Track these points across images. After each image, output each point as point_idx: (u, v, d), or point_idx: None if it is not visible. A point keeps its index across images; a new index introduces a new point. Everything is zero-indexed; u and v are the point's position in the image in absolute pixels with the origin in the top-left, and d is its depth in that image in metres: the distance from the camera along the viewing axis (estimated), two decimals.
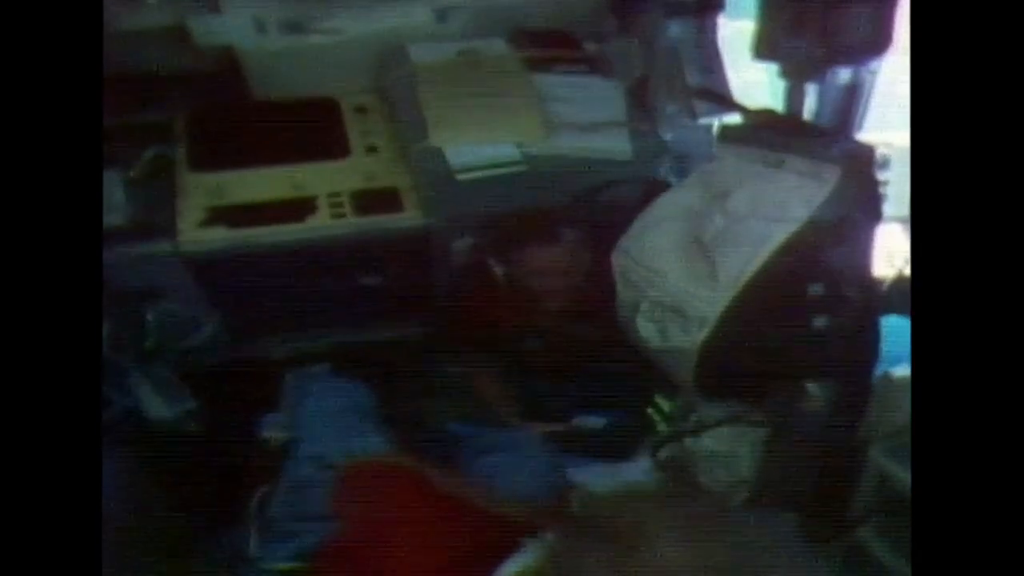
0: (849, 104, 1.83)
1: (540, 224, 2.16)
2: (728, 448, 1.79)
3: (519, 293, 2.17)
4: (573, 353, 2.17)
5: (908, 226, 1.82)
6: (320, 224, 2.15)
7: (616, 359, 1.92)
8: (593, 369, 2.14)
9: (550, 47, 2.36)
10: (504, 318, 2.20)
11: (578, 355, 2.16)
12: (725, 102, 2.22)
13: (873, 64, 1.80)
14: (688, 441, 1.83)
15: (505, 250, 2.18)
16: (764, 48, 1.84)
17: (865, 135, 1.86)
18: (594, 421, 2.07)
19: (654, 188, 2.13)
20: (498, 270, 2.19)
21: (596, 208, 2.23)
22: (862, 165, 1.64)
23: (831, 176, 1.59)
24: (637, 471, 1.85)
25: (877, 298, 1.78)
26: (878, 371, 1.75)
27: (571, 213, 2.18)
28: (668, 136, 2.31)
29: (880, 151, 1.76)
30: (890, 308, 1.77)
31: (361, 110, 2.36)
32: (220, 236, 2.10)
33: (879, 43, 1.71)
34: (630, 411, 2.05)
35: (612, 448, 1.97)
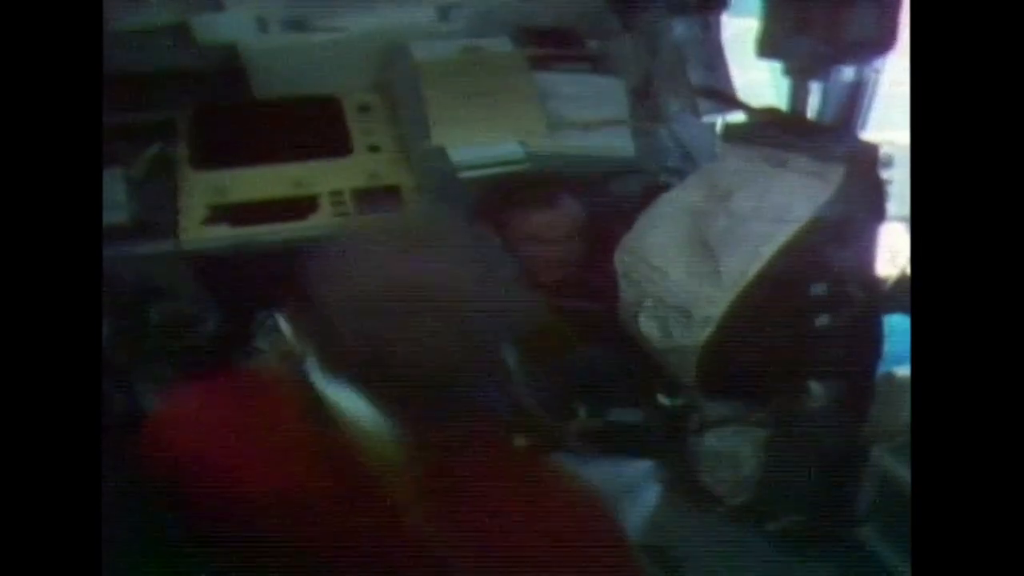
0: (853, 103, 1.82)
1: (537, 188, 2.09)
2: (731, 447, 1.79)
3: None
4: (572, 333, 2.04)
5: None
6: (322, 222, 2.15)
7: (618, 341, 1.87)
8: (595, 352, 2.09)
9: (553, 45, 2.35)
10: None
11: (578, 335, 2.03)
12: (729, 100, 2.22)
13: (877, 62, 1.80)
14: (691, 440, 1.83)
15: (499, 215, 2.08)
16: (768, 46, 1.83)
17: (869, 134, 1.86)
18: (630, 415, 1.97)
19: (657, 186, 2.12)
20: (493, 238, 2.05)
21: (601, 196, 2.20)
22: (866, 164, 1.64)
23: (835, 175, 1.60)
24: (640, 469, 1.84)
25: (880, 297, 1.78)
26: (881, 370, 1.75)
27: (571, 182, 2.11)
28: (671, 135, 2.30)
29: (884, 150, 1.76)
30: (893, 307, 1.77)
31: (363, 108, 2.36)
32: (222, 234, 2.10)
33: (883, 41, 1.71)
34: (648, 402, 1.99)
35: (648, 443, 1.89)
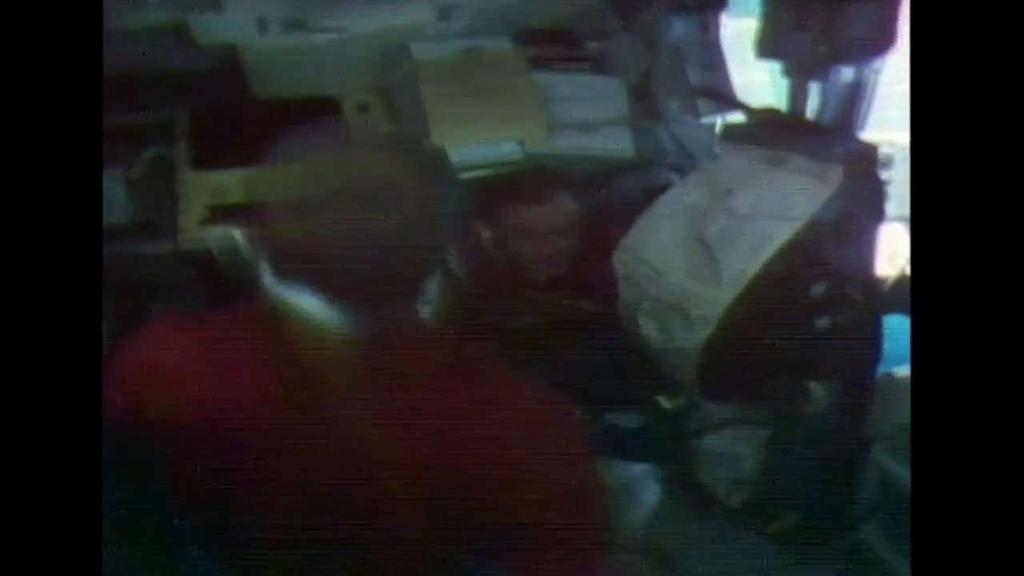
0: (852, 103, 1.83)
1: (531, 184, 2.05)
2: (730, 448, 1.79)
3: (507, 259, 2.02)
4: (568, 332, 1.99)
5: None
6: None
7: (615, 340, 1.85)
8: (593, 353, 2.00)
9: (552, 46, 2.35)
10: (492, 290, 2.02)
11: (574, 334, 1.99)
12: (728, 101, 2.22)
13: (876, 62, 1.80)
14: (690, 441, 1.83)
15: (493, 210, 2.02)
16: (767, 46, 1.84)
17: (868, 134, 1.86)
18: (628, 420, 1.94)
19: (657, 186, 2.12)
20: (486, 233, 2.03)
21: (600, 194, 2.18)
22: (865, 164, 1.65)
23: (834, 175, 1.60)
24: (639, 471, 1.84)
25: (879, 298, 1.78)
26: (880, 371, 1.75)
27: (569, 179, 2.08)
28: (670, 135, 2.30)
29: (883, 150, 1.76)
30: (893, 307, 1.77)
31: (363, 108, 2.36)
32: (221, 235, 2.10)
33: (882, 41, 1.71)
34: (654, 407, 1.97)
35: (648, 449, 1.88)
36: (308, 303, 0.93)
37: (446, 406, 0.95)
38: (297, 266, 0.94)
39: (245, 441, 0.96)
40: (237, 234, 1.03)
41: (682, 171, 2.19)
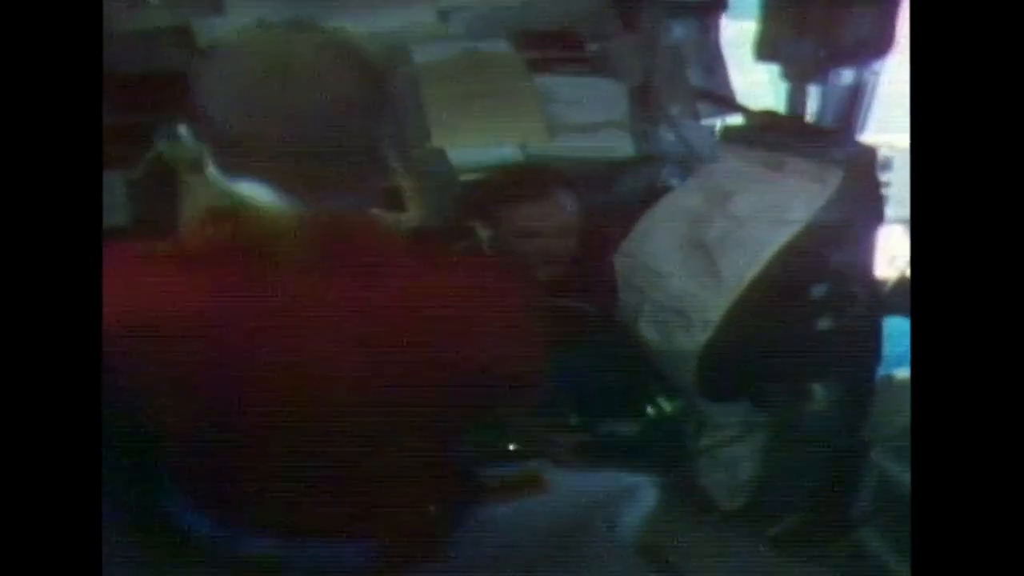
0: (851, 105, 1.83)
1: (530, 182, 2.03)
2: (730, 451, 1.79)
3: (506, 259, 1.95)
4: (567, 334, 1.99)
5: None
6: None
7: (614, 341, 1.85)
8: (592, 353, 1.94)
9: (552, 48, 2.35)
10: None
11: (573, 335, 1.90)
12: (727, 103, 2.22)
13: (875, 65, 1.80)
14: (689, 445, 1.83)
15: (490, 209, 2.01)
16: (766, 49, 1.84)
17: (867, 136, 1.86)
18: (627, 425, 1.92)
19: (657, 188, 2.11)
20: (483, 233, 2.01)
21: (601, 195, 2.17)
22: (864, 167, 1.65)
23: (833, 178, 1.60)
24: (638, 477, 1.83)
25: (879, 299, 1.78)
26: (880, 372, 1.75)
27: (569, 178, 2.06)
28: (670, 137, 2.30)
29: (882, 152, 1.76)
30: (892, 310, 1.77)
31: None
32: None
33: (881, 44, 1.71)
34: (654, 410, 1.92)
35: (647, 453, 1.82)
36: (252, 191, 0.95)
37: (396, 287, 0.97)
38: (238, 157, 0.96)
39: (216, 348, 0.97)
40: (182, 129, 1.06)
41: (682, 173, 2.19)
